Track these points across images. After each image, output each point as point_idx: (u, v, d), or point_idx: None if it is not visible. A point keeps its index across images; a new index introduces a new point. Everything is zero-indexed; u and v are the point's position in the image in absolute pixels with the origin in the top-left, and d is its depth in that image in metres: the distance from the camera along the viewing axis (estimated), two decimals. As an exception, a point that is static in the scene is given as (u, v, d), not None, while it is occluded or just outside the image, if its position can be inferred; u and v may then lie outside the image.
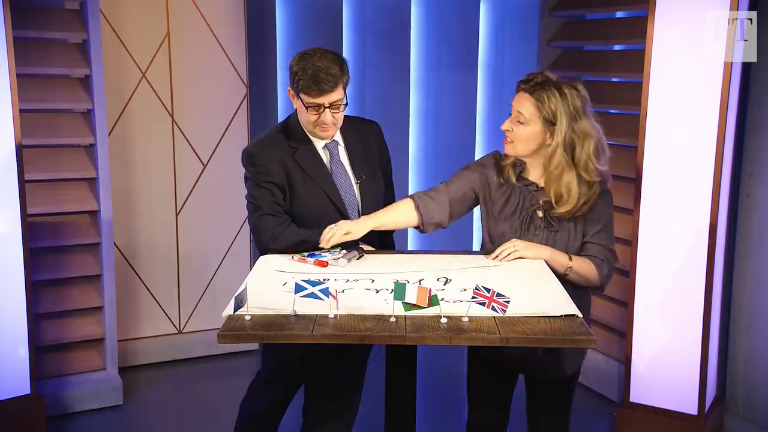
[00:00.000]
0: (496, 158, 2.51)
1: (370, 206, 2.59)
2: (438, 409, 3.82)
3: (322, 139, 2.56)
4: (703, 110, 3.17)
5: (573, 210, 2.37)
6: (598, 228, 2.41)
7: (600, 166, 2.36)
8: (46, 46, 3.64)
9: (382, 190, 2.70)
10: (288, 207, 2.54)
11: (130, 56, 4.04)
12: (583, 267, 2.38)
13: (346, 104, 2.50)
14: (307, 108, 2.45)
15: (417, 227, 2.52)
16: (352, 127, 2.65)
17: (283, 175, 2.52)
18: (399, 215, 2.50)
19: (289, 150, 2.54)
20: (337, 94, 2.43)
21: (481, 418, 2.57)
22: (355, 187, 2.61)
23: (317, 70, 2.39)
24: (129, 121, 4.09)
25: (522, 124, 2.36)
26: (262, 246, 2.51)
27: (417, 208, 2.49)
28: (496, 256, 2.38)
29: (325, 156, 2.59)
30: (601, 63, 4.09)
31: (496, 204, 2.46)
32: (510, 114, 2.40)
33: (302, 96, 2.44)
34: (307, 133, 2.57)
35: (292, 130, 2.58)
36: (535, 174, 2.44)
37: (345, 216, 2.55)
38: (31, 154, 3.57)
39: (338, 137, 2.61)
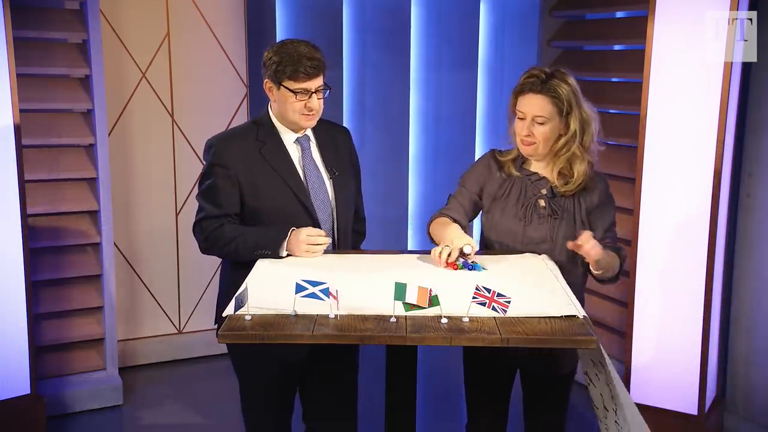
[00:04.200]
0: (495, 156, 2.52)
1: (343, 202, 2.57)
2: (438, 409, 3.82)
3: (303, 128, 2.53)
4: (703, 110, 3.17)
5: (575, 189, 2.40)
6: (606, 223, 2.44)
7: (598, 145, 2.43)
8: (46, 46, 3.64)
9: (354, 191, 2.68)
10: (251, 202, 2.49)
11: (130, 56, 4.04)
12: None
13: (330, 88, 2.51)
14: (295, 94, 2.43)
15: None
16: (323, 127, 2.62)
17: (242, 168, 2.46)
18: None
19: (256, 144, 2.50)
20: (321, 80, 2.45)
21: (480, 421, 2.57)
22: (328, 183, 2.57)
23: (302, 55, 2.40)
24: (129, 121, 4.08)
25: (542, 124, 2.36)
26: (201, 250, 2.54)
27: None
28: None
29: (296, 151, 2.55)
30: (601, 63, 4.10)
31: (498, 199, 2.46)
32: (517, 118, 2.39)
33: (288, 83, 2.42)
34: (279, 129, 2.53)
35: (261, 124, 2.55)
36: (537, 165, 2.46)
37: (311, 214, 2.50)
38: (31, 154, 3.56)
39: (309, 133, 2.59)
